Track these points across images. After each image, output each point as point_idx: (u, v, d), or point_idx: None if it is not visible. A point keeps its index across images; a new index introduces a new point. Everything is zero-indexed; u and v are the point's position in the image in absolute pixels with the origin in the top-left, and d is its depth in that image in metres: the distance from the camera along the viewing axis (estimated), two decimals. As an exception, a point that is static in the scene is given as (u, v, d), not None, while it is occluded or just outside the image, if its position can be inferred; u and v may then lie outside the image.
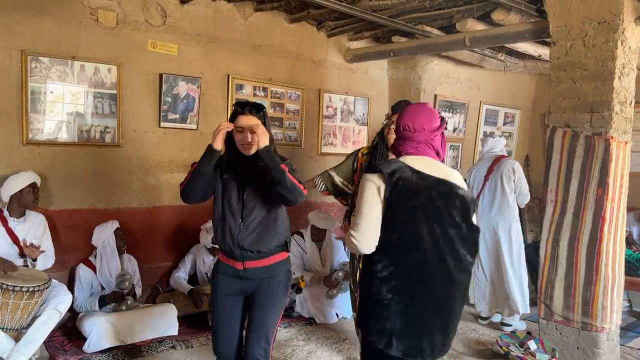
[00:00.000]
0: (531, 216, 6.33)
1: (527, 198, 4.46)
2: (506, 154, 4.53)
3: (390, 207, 1.93)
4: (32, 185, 3.35)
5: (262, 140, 2.22)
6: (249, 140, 2.27)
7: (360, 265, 2.27)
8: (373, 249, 1.97)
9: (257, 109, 2.32)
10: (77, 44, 3.71)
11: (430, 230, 1.94)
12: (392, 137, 2.91)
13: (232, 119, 2.32)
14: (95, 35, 3.78)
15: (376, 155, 3.16)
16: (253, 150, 2.29)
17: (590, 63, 3.27)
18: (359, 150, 3.42)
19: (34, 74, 3.54)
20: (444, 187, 1.98)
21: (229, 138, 2.32)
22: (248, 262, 2.35)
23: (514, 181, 4.30)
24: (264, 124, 2.30)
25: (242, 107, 2.32)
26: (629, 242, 5.24)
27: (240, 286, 2.40)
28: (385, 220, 1.95)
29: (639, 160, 5.77)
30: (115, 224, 3.75)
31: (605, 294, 3.21)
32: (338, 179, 3.40)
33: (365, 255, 2.02)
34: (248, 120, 2.28)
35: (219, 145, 2.23)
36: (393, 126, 2.77)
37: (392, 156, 2.28)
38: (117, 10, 3.87)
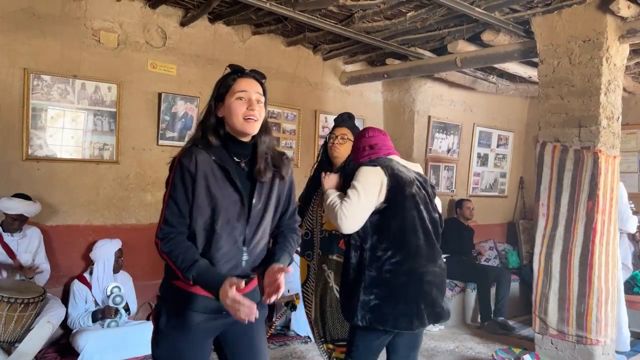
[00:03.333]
0: (526, 237, 6.37)
1: (632, 222, 3.87)
2: None
3: (394, 196, 2.18)
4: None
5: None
6: (255, 109, 1.70)
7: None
8: (354, 230, 2.19)
9: (260, 75, 1.79)
10: (78, 63, 3.81)
11: (421, 215, 2.22)
12: (336, 149, 2.84)
13: (226, 84, 1.75)
14: (96, 55, 3.89)
15: (321, 170, 2.95)
16: (257, 128, 1.73)
17: (577, 80, 3.37)
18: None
19: (35, 91, 3.63)
20: (421, 178, 2.32)
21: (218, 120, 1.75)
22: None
23: None
24: (265, 97, 1.78)
25: (242, 70, 1.77)
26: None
27: (218, 325, 1.76)
28: (387, 208, 2.18)
29: (632, 181, 5.86)
30: (118, 244, 3.77)
31: (599, 306, 3.23)
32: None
33: (364, 241, 2.20)
34: (251, 85, 1.73)
35: (222, 296, 1.57)
36: (339, 139, 2.82)
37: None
38: (118, 31, 3.99)
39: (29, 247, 3.49)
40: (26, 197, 3.44)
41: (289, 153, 5.01)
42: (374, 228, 2.19)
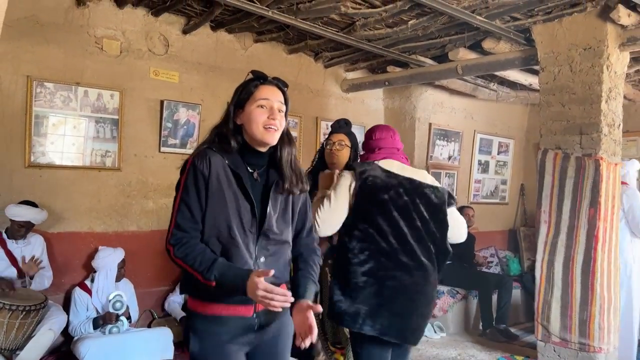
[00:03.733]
0: (528, 245, 6.37)
1: None
2: (628, 181, 3.90)
3: (361, 199, 2.23)
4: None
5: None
6: (276, 119, 1.63)
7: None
8: (329, 234, 2.29)
9: (283, 83, 1.72)
10: (81, 70, 3.83)
11: (396, 222, 2.21)
12: (334, 156, 2.82)
13: (248, 90, 1.67)
14: (99, 62, 3.90)
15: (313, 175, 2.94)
16: (276, 139, 1.66)
17: (578, 87, 3.39)
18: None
19: (38, 98, 3.64)
20: (412, 185, 2.28)
21: (236, 127, 1.68)
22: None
23: (623, 210, 3.74)
24: (287, 106, 1.71)
25: (265, 77, 1.69)
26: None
27: (248, 340, 1.66)
28: (357, 211, 2.24)
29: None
30: (121, 254, 3.75)
31: (601, 313, 3.22)
32: None
33: (341, 244, 2.28)
34: (273, 93, 1.66)
35: (250, 290, 1.50)
36: (336, 146, 2.81)
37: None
38: (121, 39, 4.01)
39: (32, 254, 3.48)
40: (33, 205, 3.44)
41: (291, 160, 5.00)
42: (345, 230, 2.26)
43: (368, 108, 5.64)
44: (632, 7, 3.21)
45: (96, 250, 3.77)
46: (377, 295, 2.17)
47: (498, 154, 6.51)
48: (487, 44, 3.94)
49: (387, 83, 5.03)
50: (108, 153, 3.96)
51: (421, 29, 3.86)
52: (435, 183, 2.37)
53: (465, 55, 4.21)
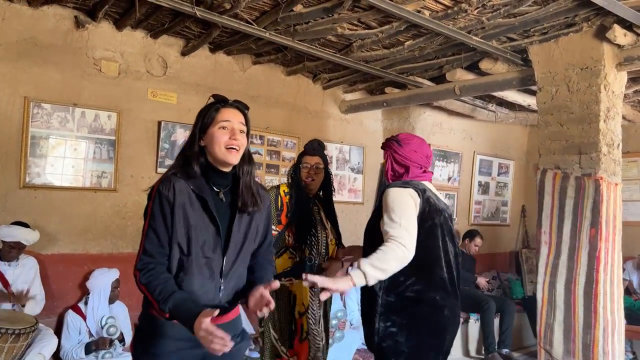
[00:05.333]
0: (530, 267, 6.27)
1: None
2: None
3: (423, 222, 2.04)
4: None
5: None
6: (237, 139, 1.71)
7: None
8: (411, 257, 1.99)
9: (244, 106, 1.81)
10: (79, 91, 3.84)
11: (445, 247, 2.09)
12: (311, 180, 2.78)
13: (210, 114, 1.74)
14: (97, 84, 3.91)
15: (297, 198, 2.87)
16: (238, 158, 1.74)
17: (576, 107, 3.37)
18: (279, 187, 2.94)
19: (35, 119, 3.64)
20: (449, 211, 2.19)
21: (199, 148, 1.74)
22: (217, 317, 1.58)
23: None
24: (248, 127, 1.78)
25: (225, 100, 1.79)
26: (630, 291, 5.17)
27: (195, 354, 1.69)
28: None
29: (635, 210, 5.80)
30: (115, 274, 3.70)
31: (605, 337, 3.14)
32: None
33: (393, 280, 2.03)
34: (234, 115, 1.74)
35: (196, 328, 1.54)
36: (313, 169, 2.77)
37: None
38: (119, 61, 4.03)
39: (24, 277, 3.43)
40: (25, 225, 3.41)
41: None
42: None
43: (367, 129, 5.64)
44: (628, 27, 3.21)
45: (90, 273, 3.72)
46: (435, 322, 2.08)
47: (498, 175, 6.47)
48: (484, 65, 3.94)
49: (385, 104, 5.03)
50: (104, 174, 3.94)
51: (418, 49, 3.87)
52: None
53: (462, 75, 4.22)
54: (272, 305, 1.66)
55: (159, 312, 1.59)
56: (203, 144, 1.73)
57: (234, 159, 1.72)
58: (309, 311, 2.88)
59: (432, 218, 2.07)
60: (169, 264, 1.66)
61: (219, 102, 1.77)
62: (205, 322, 1.51)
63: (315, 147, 2.84)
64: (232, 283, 1.75)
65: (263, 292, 1.68)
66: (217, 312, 1.54)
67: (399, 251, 1.90)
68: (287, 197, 2.87)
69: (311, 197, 2.90)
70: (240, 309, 1.84)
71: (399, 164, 2.20)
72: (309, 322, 2.88)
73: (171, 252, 1.66)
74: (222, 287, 1.71)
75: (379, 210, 2.11)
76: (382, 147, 2.30)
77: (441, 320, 2.07)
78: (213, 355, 1.62)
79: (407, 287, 2.04)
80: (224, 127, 1.71)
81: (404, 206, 2.01)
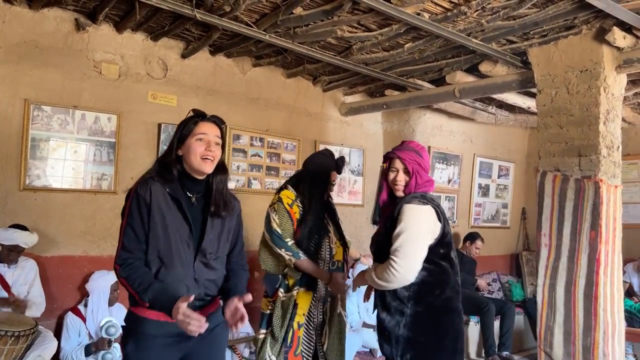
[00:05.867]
0: (530, 269, 6.27)
1: None
2: None
3: (442, 238, 2.12)
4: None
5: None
6: (212, 151, 1.88)
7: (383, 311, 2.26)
8: (406, 284, 2.07)
9: (220, 121, 1.98)
10: (79, 94, 3.84)
11: (454, 253, 2.23)
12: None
13: (189, 126, 1.91)
14: (97, 86, 3.92)
15: (316, 213, 2.87)
16: (212, 168, 1.91)
17: (575, 109, 3.37)
18: (281, 200, 2.86)
19: (35, 121, 3.64)
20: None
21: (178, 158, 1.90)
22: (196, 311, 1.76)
23: None
24: (223, 140, 1.95)
25: (204, 115, 1.95)
26: (630, 293, 5.16)
27: (180, 348, 1.87)
28: (436, 246, 2.12)
29: (635, 212, 5.80)
30: (115, 277, 3.69)
31: (605, 340, 3.13)
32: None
33: (426, 287, 2.12)
34: (211, 128, 1.91)
35: (174, 313, 1.70)
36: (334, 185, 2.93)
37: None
38: (120, 63, 4.03)
39: (24, 279, 3.43)
40: (23, 228, 3.40)
41: (289, 183, 4.99)
42: (425, 260, 2.13)
43: (367, 132, 5.64)
44: (628, 30, 3.22)
45: (90, 275, 3.72)
46: (458, 329, 2.23)
47: (498, 178, 6.47)
48: (484, 67, 3.95)
49: (385, 106, 5.04)
50: (104, 176, 3.94)
51: (417, 52, 3.88)
52: None
53: (462, 78, 4.22)
54: (246, 320, 1.82)
55: (140, 302, 1.76)
56: (180, 154, 1.90)
57: (209, 168, 1.89)
58: (307, 317, 2.86)
59: (449, 231, 2.18)
60: (147, 259, 1.81)
61: (198, 116, 1.94)
62: (183, 307, 1.66)
63: (343, 167, 2.98)
64: (207, 278, 1.91)
65: (237, 304, 1.83)
66: (192, 297, 1.71)
67: (392, 273, 2.02)
68: (293, 208, 2.87)
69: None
70: (220, 302, 1.98)
71: (421, 176, 2.23)
72: (305, 330, 2.87)
73: (149, 249, 1.81)
74: (196, 281, 1.87)
75: (388, 225, 2.17)
76: (403, 160, 2.24)
77: (461, 325, 2.24)
78: (197, 349, 1.86)
79: (436, 297, 2.14)
80: (200, 139, 1.87)
81: (420, 229, 2.08)
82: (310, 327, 2.88)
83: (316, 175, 2.91)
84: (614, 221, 3.28)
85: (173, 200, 1.85)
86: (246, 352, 3.94)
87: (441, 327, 2.14)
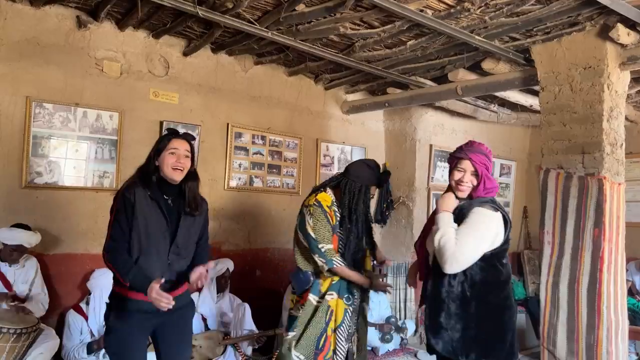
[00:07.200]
0: (532, 268, 6.26)
1: None
2: None
3: (505, 242, 2.22)
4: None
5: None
6: (181, 162, 2.31)
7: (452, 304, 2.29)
8: (449, 271, 2.14)
9: (190, 137, 2.44)
10: (81, 91, 3.83)
11: None
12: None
13: (164, 142, 2.35)
14: (99, 84, 3.91)
15: (358, 225, 2.86)
16: (181, 176, 2.33)
17: (579, 107, 3.36)
18: (320, 204, 2.81)
19: (37, 119, 3.64)
20: None
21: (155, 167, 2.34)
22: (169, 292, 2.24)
23: None
24: (192, 153, 2.39)
25: (177, 133, 2.41)
26: (632, 291, 5.15)
27: (152, 322, 2.35)
28: (502, 248, 2.22)
29: (638, 211, 5.78)
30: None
31: (609, 338, 3.12)
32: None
33: (472, 276, 2.18)
34: (181, 144, 2.35)
35: (148, 292, 2.13)
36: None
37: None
38: (121, 61, 4.02)
39: (25, 277, 3.42)
40: (26, 227, 3.39)
41: (291, 181, 4.98)
42: (487, 262, 2.18)
43: (368, 130, 5.63)
44: (632, 26, 3.20)
45: (92, 272, 3.71)
46: (514, 326, 2.29)
47: (500, 176, 6.45)
48: (487, 65, 3.93)
49: (387, 104, 5.02)
50: (106, 174, 3.93)
51: (420, 49, 3.87)
52: None
53: (464, 76, 4.21)
54: (205, 280, 2.35)
55: (122, 281, 2.18)
56: (157, 164, 2.33)
57: (178, 176, 2.32)
58: (341, 326, 2.83)
59: (510, 237, 2.26)
60: (130, 248, 2.22)
61: (172, 134, 2.39)
62: (155, 287, 2.11)
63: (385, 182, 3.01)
64: (178, 265, 2.34)
65: (200, 269, 2.32)
66: (163, 280, 2.17)
67: (451, 258, 2.09)
68: (330, 211, 2.83)
69: None
70: (187, 286, 2.43)
71: (490, 180, 2.30)
72: (338, 339, 2.84)
73: (132, 240, 2.22)
74: (170, 266, 2.31)
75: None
76: (473, 163, 2.27)
77: (516, 320, 2.30)
78: (167, 322, 2.35)
79: (496, 296, 2.21)
80: (172, 153, 2.31)
81: (484, 233, 2.15)
82: (343, 337, 2.85)
83: (355, 188, 2.83)
84: (617, 219, 3.27)
85: (153, 200, 2.27)
86: (249, 351, 3.93)
87: (503, 324, 2.21)
